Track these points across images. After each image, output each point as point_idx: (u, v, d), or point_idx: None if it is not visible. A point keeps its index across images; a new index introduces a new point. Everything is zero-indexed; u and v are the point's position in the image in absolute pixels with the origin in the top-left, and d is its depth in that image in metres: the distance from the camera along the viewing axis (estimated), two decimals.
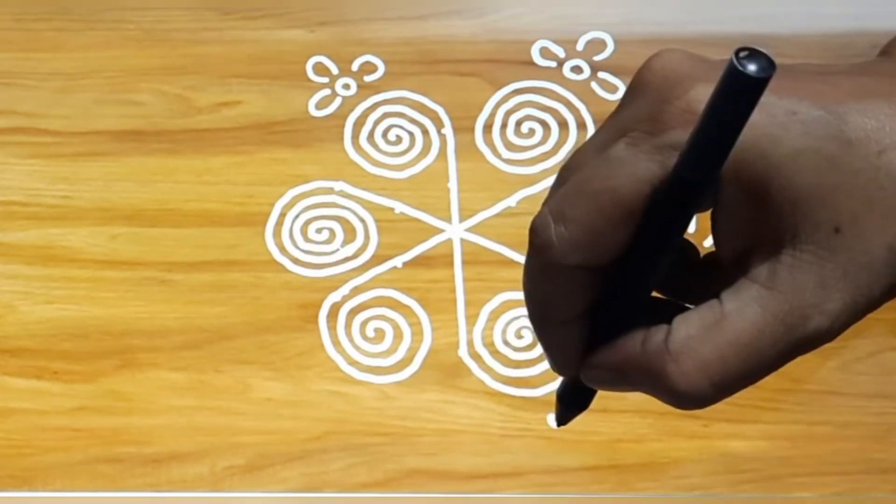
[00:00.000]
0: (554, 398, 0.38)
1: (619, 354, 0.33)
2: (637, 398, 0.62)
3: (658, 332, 0.32)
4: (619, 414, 0.63)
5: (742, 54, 0.26)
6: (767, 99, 0.29)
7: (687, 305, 0.33)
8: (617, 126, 0.32)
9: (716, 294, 0.31)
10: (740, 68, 0.26)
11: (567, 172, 0.33)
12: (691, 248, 0.35)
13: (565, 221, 0.31)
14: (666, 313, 0.32)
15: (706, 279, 0.33)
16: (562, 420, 0.38)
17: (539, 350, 0.64)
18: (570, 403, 0.38)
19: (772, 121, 0.29)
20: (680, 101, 0.30)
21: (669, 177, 0.30)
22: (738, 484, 0.62)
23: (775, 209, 0.30)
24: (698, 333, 0.31)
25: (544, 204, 0.32)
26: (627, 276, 0.32)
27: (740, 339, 0.30)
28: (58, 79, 0.71)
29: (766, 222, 0.30)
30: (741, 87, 0.27)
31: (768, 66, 0.26)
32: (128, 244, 0.67)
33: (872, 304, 0.31)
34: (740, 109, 0.28)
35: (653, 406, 0.63)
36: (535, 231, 0.32)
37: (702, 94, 0.29)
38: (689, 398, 0.31)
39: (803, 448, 0.62)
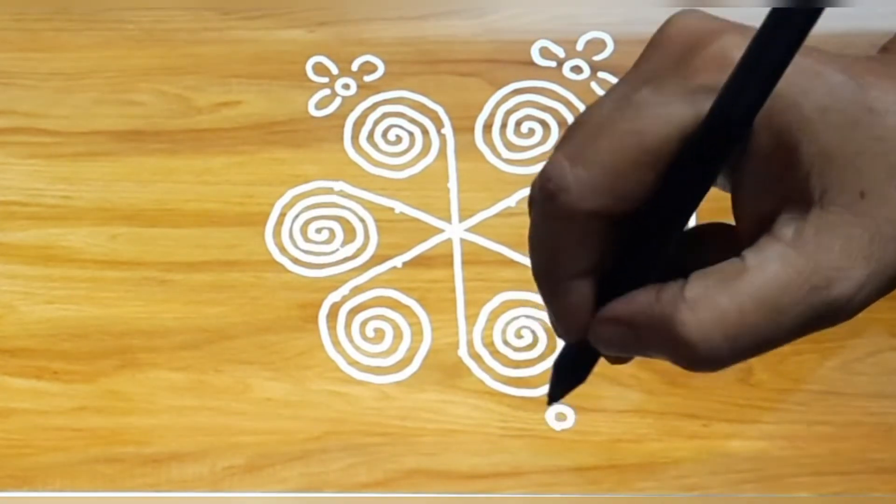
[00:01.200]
0: None
1: (632, 306, 0.31)
2: (637, 398, 0.62)
3: (674, 285, 0.30)
4: (619, 414, 0.63)
5: None
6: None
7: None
8: (639, 77, 0.31)
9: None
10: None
11: (581, 124, 0.31)
12: None
13: (585, 163, 0.30)
14: (680, 275, 0.31)
15: (696, 253, 0.32)
16: (555, 395, 0.36)
17: (539, 350, 0.64)
18: (567, 375, 0.35)
19: (800, 76, 0.29)
20: (712, 46, 0.29)
21: (705, 118, 0.29)
22: (738, 484, 0.62)
23: (805, 165, 0.29)
24: (717, 284, 0.29)
25: (557, 150, 0.31)
26: (645, 230, 0.31)
27: (761, 293, 0.29)
28: (58, 79, 0.71)
29: (794, 179, 0.29)
30: (791, 20, 0.26)
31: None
32: (127, 244, 0.67)
33: None
34: (788, 44, 0.27)
35: (653, 406, 0.63)
36: (547, 176, 0.30)
37: (732, 42, 0.28)
38: (701, 351, 0.30)
39: (803, 448, 0.62)
